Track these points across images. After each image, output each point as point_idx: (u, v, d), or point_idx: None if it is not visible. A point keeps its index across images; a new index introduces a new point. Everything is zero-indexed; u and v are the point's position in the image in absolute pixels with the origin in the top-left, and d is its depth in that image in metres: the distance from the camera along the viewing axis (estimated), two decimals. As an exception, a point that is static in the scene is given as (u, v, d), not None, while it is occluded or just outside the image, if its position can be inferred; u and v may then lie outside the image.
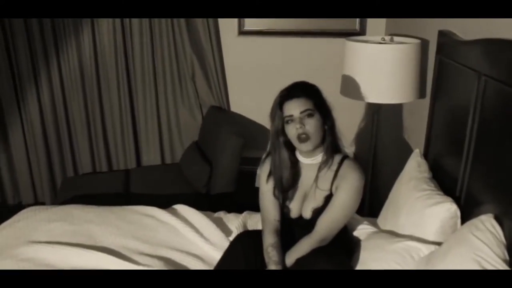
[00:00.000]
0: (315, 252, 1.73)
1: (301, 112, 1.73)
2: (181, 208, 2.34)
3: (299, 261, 1.73)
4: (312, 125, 1.74)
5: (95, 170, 3.60)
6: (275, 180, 1.87)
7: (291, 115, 1.74)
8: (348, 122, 3.28)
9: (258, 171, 1.99)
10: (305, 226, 1.83)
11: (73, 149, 3.55)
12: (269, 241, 1.79)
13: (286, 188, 1.87)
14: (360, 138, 3.32)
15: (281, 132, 1.80)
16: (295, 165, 1.87)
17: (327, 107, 1.82)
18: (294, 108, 1.74)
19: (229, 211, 2.44)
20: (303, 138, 1.75)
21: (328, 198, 1.81)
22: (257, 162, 2.03)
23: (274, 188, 1.88)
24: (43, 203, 3.54)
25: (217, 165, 2.89)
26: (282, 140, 1.82)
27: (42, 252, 1.96)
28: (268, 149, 1.91)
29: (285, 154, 1.84)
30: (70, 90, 3.38)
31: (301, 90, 1.77)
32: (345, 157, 1.85)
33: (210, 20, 3.21)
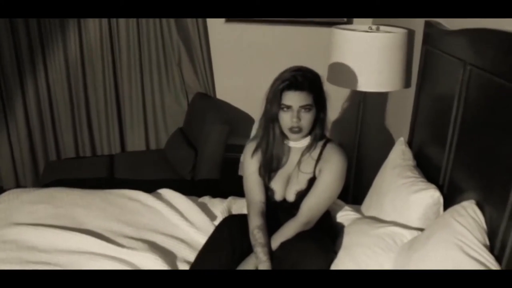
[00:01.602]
0: (300, 236, 1.74)
1: (301, 106, 1.74)
2: (165, 192, 2.34)
3: (284, 244, 1.74)
4: (307, 119, 1.76)
5: (79, 155, 3.56)
6: (264, 157, 1.88)
7: (290, 106, 1.74)
8: (334, 110, 3.29)
9: (242, 159, 1.99)
10: (289, 209, 1.84)
11: (56, 133, 3.49)
12: (255, 223, 1.80)
13: (274, 167, 1.88)
14: (345, 126, 3.34)
15: (276, 118, 1.80)
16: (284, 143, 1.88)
17: (325, 99, 1.83)
18: (294, 100, 1.73)
19: (214, 197, 2.43)
20: (295, 130, 1.77)
21: (312, 181, 1.83)
22: (242, 149, 2.02)
23: (260, 167, 1.89)
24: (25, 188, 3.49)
25: (202, 151, 2.89)
26: (277, 124, 1.82)
27: (25, 233, 1.94)
28: (253, 134, 1.91)
29: (278, 131, 1.84)
30: (53, 73, 3.33)
31: (306, 81, 1.74)
32: (328, 140, 1.87)
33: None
